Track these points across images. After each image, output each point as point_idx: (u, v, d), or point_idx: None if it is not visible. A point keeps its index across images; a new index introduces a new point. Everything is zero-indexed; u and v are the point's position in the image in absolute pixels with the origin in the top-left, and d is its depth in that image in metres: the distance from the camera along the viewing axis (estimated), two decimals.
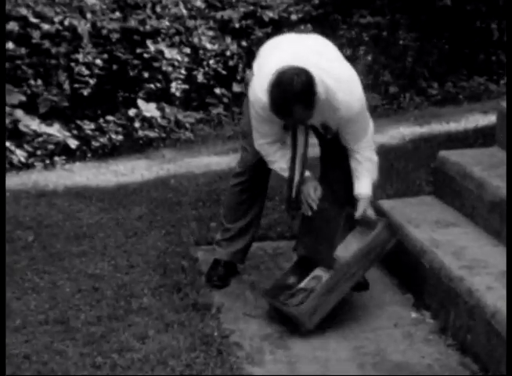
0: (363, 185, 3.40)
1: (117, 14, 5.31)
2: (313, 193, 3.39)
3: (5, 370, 2.83)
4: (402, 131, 6.43)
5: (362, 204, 3.39)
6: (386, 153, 5.70)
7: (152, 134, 5.71)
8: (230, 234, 3.70)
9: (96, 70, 5.41)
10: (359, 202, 3.39)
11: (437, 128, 6.52)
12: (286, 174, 3.40)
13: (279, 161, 3.40)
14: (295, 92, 3.03)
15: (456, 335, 3.13)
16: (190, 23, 5.49)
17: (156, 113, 5.72)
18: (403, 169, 5.24)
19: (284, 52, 3.29)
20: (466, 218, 3.77)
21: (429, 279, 3.40)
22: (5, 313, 3.23)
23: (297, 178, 3.39)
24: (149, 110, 5.67)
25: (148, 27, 5.43)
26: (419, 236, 3.60)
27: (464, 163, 3.90)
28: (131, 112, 5.67)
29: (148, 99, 5.69)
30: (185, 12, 5.50)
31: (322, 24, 7.00)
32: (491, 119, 6.33)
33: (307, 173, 3.42)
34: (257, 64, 3.40)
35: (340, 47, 6.63)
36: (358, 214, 3.38)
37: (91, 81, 5.40)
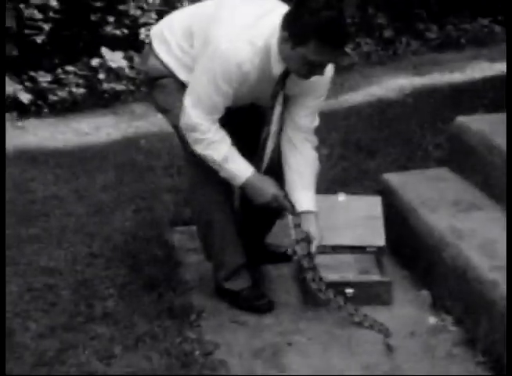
0: (312, 196, 2.90)
1: None
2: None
3: (5, 370, 2.42)
4: (401, 83, 5.96)
5: (313, 221, 2.88)
6: (384, 109, 5.28)
7: (119, 87, 5.14)
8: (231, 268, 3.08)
9: (51, 14, 4.78)
10: (313, 223, 2.87)
11: (439, 78, 6.06)
12: (226, 166, 2.79)
13: (218, 147, 2.78)
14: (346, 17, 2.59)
15: (487, 351, 2.66)
16: None
17: (124, 63, 5.13)
18: (405, 129, 4.77)
19: (244, 4, 2.78)
20: (491, 199, 3.28)
21: (452, 278, 2.92)
22: (5, 313, 2.77)
23: (265, 162, 2.88)
24: (115, 59, 5.08)
25: None
26: (437, 222, 3.11)
27: (489, 132, 3.40)
28: (94, 62, 5.08)
29: (113, 47, 5.09)
30: None
31: None
32: (499, 68, 5.91)
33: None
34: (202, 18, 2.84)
35: None
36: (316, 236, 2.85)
37: (46, 27, 4.77)
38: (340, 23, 2.58)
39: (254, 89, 2.77)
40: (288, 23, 2.62)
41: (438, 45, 7.18)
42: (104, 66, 5.13)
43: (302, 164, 2.91)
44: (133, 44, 5.10)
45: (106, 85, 5.12)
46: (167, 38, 2.92)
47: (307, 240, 2.85)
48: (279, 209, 2.93)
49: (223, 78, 2.67)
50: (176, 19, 2.99)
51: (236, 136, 2.85)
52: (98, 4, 4.91)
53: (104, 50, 5.01)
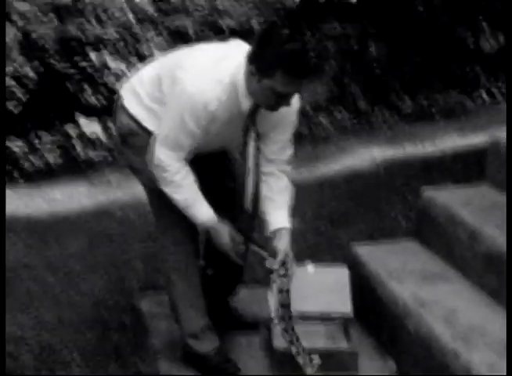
0: (284, 215, 2.99)
1: (53, 20, 4.79)
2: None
3: (5, 370, 2.50)
4: (374, 154, 6.01)
5: (286, 239, 2.96)
6: (357, 180, 5.33)
7: (95, 155, 5.19)
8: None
9: (29, 85, 4.87)
10: (283, 238, 2.94)
11: (411, 150, 6.10)
12: (189, 210, 2.87)
13: (186, 188, 2.87)
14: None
15: None
16: (137, 29, 4.99)
17: (100, 131, 5.21)
18: (376, 200, 4.84)
19: (207, 50, 2.90)
20: (456, 270, 3.36)
21: (415, 347, 2.97)
22: (5, 313, 2.90)
23: (248, 198, 2.94)
24: (91, 126, 5.16)
25: (89, 35, 4.90)
26: (402, 292, 3.18)
27: (453, 205, 3.51)
28: (70, 129, 5.12)
29: (89, 114, 5.16)
30: (132, 18, 4.99)
31: None
32: (470, 141, 6.02)
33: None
34: (163, 70, 2.95)
35: None
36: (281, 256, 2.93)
37: (23, 98, 4.84)
38: (304, 55, 2.66)
39: (223, 128, 2.82)
40: (254, 56, 2.70)
41: (411, 117, 7.31)
42: (79, 133, 5.18)
43: (275, 191, 2.99)
44: (110, 112, 5.16)
45: (81, 154, 5.16)
46: (137, 90, 2.99)
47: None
48: (240, 255, 2.96)
49: (190, 117, 2.74)
50: (144, 71, 3.07)
51: (205, 181, 2.94)
52: (74, 73, 4.98)
53: (80, 117, 5.09)
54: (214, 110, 2.72)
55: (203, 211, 2.89)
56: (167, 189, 2.86)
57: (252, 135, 2.90)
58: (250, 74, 2.71)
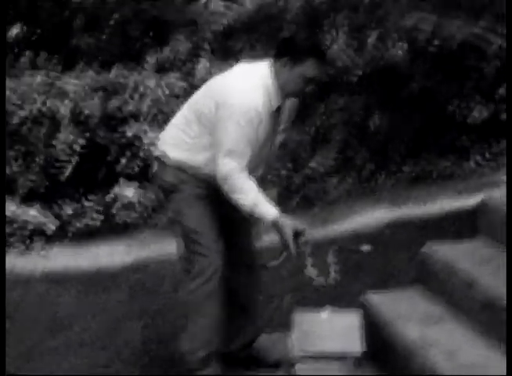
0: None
1: (98, 96, 5.07)
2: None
3: (5, 370, 2.60)
4: (378, 216, 6.18)
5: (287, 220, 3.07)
6: (364, 240, 5.47)
7: (132, 216, 5.42)
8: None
9: (76, 154, 5.14)
10: (284, 227, 3.03)
11: (413, 211, 6.26)
12: (256, 209, 3.01)
13: (252, 191, 3.02)
14: None
15: None
16: (171, 104, 5.26)
17: (137, 195, 5.45)
18: (383, 257, 5.00)
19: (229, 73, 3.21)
20: (456, 314, 3.52)
21: None
22: (5, 315, 2.97)
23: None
24: (129, 191, 5.41)
25: (128, 110, 5.19)
26: (409, 334, 3.33)
27: (452, 257, 3.70)
28: (111, 194, 5.37)
29: (128, 180, 5.41)
30: (167, 92, 5.27)
31: None
32: (465, 201, 6.17)
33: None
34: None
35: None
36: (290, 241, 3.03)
37: (70, 165, 5.12)
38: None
39: (265, 131, 3.07)
40: (286, 49, 3.03)
41: (413, 180, 7.45)
42: (119, 197, 5.41)
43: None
44: (146, 177, 5.44)
45: (120, 215, 5.39)
46: (173, 136, 3.23)
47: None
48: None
49: (246, 123, 2.95)
50: (173, 122, 3.32)
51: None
52: (115, 144, 5.25)
53: (119, 183, 5.34)
54: (261, 110, 2.98)
55: (268, 209, 3.01)
56: (236, 196, 3.00)
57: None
58: (281, 67, 3.01)
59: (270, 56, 3.11)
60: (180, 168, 3.21)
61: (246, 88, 3.00)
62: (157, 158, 3.33)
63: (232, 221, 3.31)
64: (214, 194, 3.19)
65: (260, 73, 3.07)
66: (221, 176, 3.03)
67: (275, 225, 3.03)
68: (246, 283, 3.40)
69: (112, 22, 5.55)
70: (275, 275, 4.18)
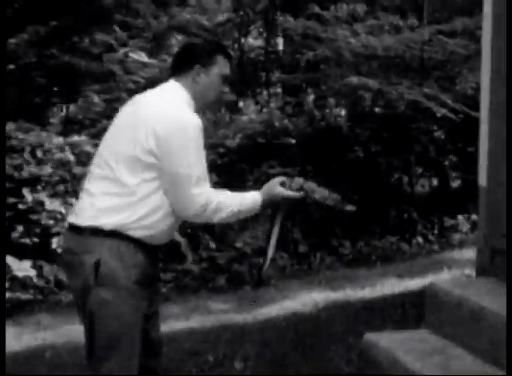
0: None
1: None
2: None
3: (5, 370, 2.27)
4: (315, 297, 5.80)
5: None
6: (298, 324, 5.04)
7: (25, 296, 4.79)
8: None
9: None
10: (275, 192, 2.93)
11: (351, 293, 5.93)
12: (244, 208, 2.87)
13: (227, 201, 2.84)
14: None
15: None
16: (78, 169, 4.72)
17: (32, 272, 4.83)
18: (318, 345, 4.52)
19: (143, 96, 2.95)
20: None
21: None
22: (5, 316, 2.72)
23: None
24: (23, 268, 4.78)
25: (25, 174, 4.62)
26: None
27: (394, 349, 3.28)
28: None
29: (22, 255, 4.79)
30: (72, 157, 4.74)
31: (228, 174, 6.39)
32: (407, 285, 5.87)
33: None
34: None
35: None
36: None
37: None
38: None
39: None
40: (194, 58, 2.91)
41: (351, 261, 7.13)
42: (9, 274, 4.79)
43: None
44: (43, 252, 4.83)
45: (10, 294, 4.75)
46: (100, 198, 2.73)
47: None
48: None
49: (196, 142, 2.75)
50: (90, 182, 2.82)
51: None
52: (7, 213, 4.66)
53: (10, 259, 4.70)
54: (200, 122, 2.79)
55: (249, 199, 2.91)
56: (220, 215, 2.83)
57: None
58: (196, 77, 2.90)
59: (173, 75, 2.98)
60: (119, 238, 2.68)
61: (175, 109, 2.79)
62: (76, 229, 2.75)
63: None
64: (149, 275, 2.76)
65: (173, 89, 2.90)
66: (198, 209, 2.77)
67: (269, 202, 2.94)
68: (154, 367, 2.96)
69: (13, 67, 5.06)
70: None
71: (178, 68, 2.94)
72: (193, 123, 2.75)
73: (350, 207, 3.02)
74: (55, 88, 5.83)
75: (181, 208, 2.76)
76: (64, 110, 5.29)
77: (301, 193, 2.93)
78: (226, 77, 2.99)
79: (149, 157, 2.68)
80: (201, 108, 2.96)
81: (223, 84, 2.99)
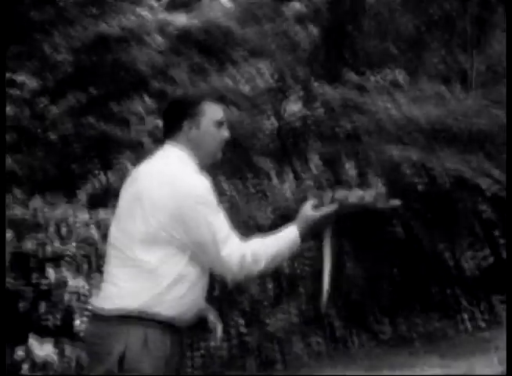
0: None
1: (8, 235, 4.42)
2: None
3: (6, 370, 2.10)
4: None
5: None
6: None
7: None
8: None
9: None
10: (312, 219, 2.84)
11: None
12: (285, 247, 2.79)
13: (264, 248, 2.77)
14: None
15: None
16: (103, 245, 4.59)
17: (53, 354, 4.65)
18: None
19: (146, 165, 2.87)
20: None
21: None
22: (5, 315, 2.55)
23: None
24: (44, 349, 4.61)
25: (48, 251, 4.51)
26: None
27: None
28: (19, 352, 4.58)
29: (43, 335, 4.64)
30: (96, 235, 4.60)
31: None
32: (450, 371, 5.57)
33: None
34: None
35: None
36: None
37: None
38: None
39: None
40: (177, 114, 2.81)
41: (390, 341, 6.85)
42: (29, 356, 4.61)
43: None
44: (66, 332, 4.67)
45: None
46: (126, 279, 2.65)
47: None
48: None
49: (211, 205, 2.68)
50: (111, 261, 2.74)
51: None
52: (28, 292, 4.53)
53: (31, 339, 4.55)
54: (207, 184, 2.71)
55: (285, 236, 2.83)
56: (258, 266, 2.75)
57: None
58: (188, 135, 2.80)
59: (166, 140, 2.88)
60: (145, 323, 2.59)
61: (177, 177, 2.71)
62: (100, 315, 2.65)
63: None
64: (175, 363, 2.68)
65: (170, 154, 2.81)
66: (235, 269, 2.72)
67: (309, 230, 2.86)
68: None
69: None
70: None
71: (169, 130, 2.85)
72: (199, 186, 2.68)
73: (394, 203, 2.87)
74: (90, 156, 5.75)
75: (219, 273, 2.74)
76: (97, 177, 5.19)
77: (335, 204, 2.80)
78: (221, 122, 2.86)
79: (162, 232, 2.62)
80: (207, 161, 2.87)
81: (220, 129, 2.86)
